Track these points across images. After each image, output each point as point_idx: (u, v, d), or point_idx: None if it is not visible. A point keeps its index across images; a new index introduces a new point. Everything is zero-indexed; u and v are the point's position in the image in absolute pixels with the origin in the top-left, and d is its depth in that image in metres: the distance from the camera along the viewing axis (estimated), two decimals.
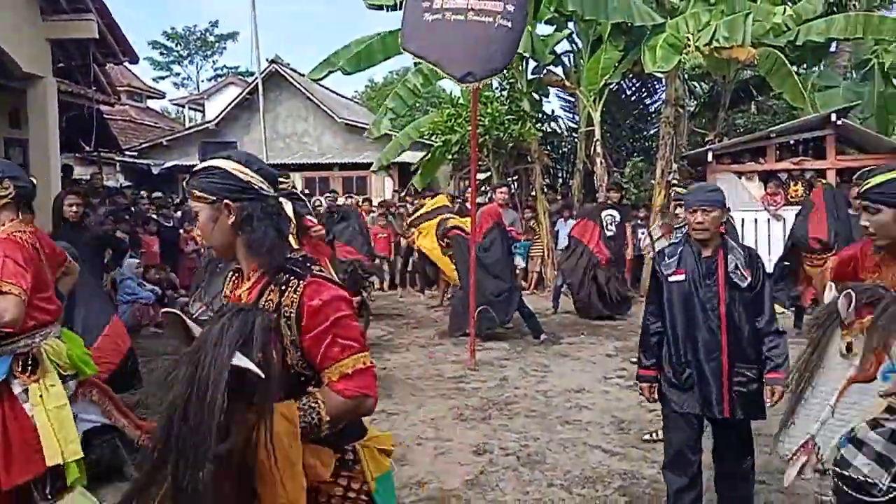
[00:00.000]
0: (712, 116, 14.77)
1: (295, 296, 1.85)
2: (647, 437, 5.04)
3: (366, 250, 9.65)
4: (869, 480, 2.13)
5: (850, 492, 2.18)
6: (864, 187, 2.44)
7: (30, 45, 8.38)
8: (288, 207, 2.02)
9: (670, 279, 3.43)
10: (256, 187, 1.93)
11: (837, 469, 2.22)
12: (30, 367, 2.94)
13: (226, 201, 1.90)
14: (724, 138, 13.53)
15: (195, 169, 2.00)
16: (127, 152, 18.75)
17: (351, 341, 1.87)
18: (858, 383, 1.99)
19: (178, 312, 1.67)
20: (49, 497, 2.92)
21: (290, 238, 2.01)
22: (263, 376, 1.61)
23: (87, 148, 14.23)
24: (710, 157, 11.85)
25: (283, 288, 1.86)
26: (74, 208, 6.01)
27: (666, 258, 3.48)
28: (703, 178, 12.01)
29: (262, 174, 1.96)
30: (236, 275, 2.05)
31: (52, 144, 8.85)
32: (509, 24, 6.44)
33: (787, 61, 11.91)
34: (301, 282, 1.87)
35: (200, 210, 1.93)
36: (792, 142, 11.83)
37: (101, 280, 6.30)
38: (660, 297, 3.49)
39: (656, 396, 3.55)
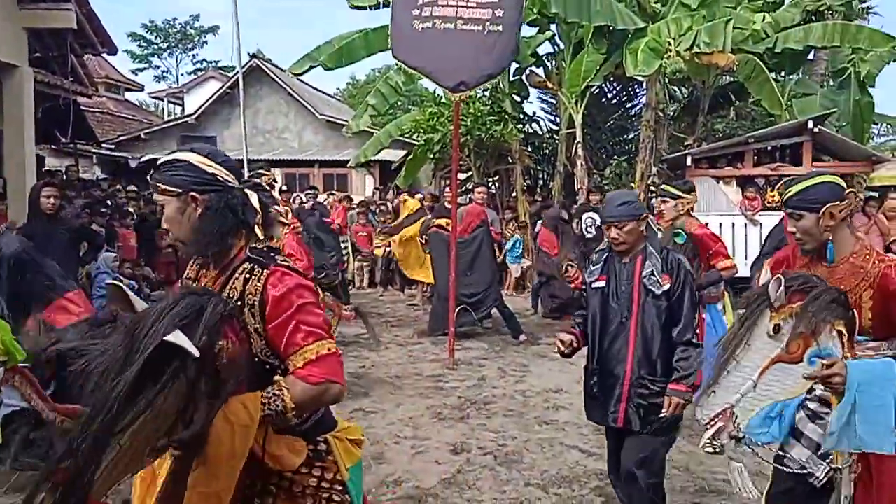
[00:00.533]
0: (692, 121, 14.88)
1: (258, 284, 1.87)
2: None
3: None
4: (806, 469, 2.39)
5: (787, 477, 2.48)
6: (786, 196, 2.56)
7: (5, 33, 8.25)
8: (254, 199, 2.00)
9: (593, 286, 3.37)
10: (221, 179, 1.94)
11: (779, 453, 2.50)
12: None
13: (192, 193, 1.91)
14: (703, 143, 13.65)
15: (159, 162, 2.00)
16: (104, 145, 18.52)
17: (315, 328, 1.87)
18: (783, 363, 2.14)
19: (121, 285, 1.64)
20: None
21: (257, 229, 2.00)
22: (197, 355, 1.57)
23: (63, 139, 14.03)
24: (688, 161, 11.94)
25: (247, 276, 1.89)
26: (52, 200, 5.93)
27: (591, 265, 3.43)
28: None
29: (227, 166, 1.98)
30: (202, 264, 2.05)
31: (27, 136, 8.73)
32: (500, 29, 6.44)
33: (765, 68, 12.05)
34: (264, 270, 1.89)
35: (167, 203, 1.94)
36: (770, 147, 11.96)
37: (77, 273, 6.21)
38: (586, 306, 3.46)
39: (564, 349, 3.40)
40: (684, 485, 4.29)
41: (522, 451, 4.83)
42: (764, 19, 11.84)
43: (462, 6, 6.48)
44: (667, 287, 3.21)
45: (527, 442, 5.01)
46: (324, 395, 1.87)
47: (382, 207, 13.36)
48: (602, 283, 3.33)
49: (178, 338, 1.53)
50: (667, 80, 14.40)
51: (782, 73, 13.95)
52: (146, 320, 1.57)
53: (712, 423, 2.14)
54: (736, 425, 2.14)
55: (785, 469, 2.50)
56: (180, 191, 1.92)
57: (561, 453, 4.81)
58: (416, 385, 6.52)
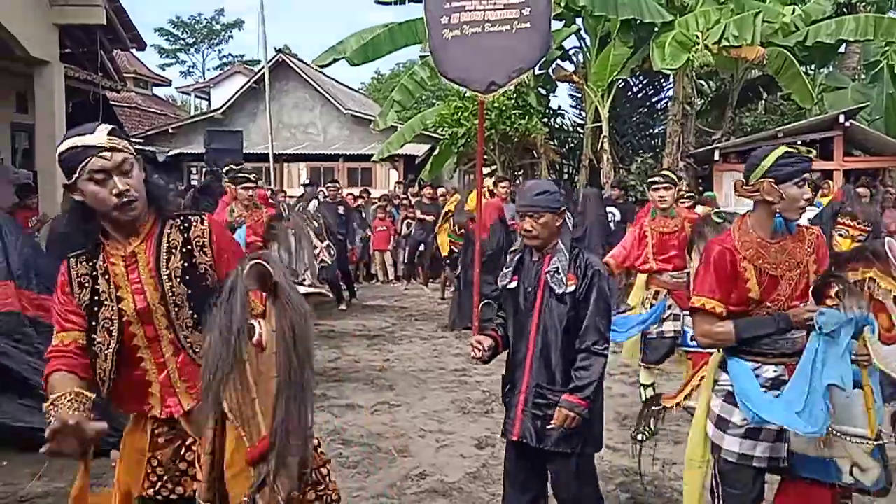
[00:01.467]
0: (719, 115, 14.75)
1: (203, 226, 2.11)
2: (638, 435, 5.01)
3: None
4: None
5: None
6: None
7: (37, 30, 8.37)
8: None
9: (507, 287, 3.06)
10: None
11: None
12: None
13: (137, 156, 2.07)
14: (731, 137, 13.51)
15: (111, 127, 2.04)
16: (132, 139, 18.76)
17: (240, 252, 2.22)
18: None
19: (263, 264, 1.68)
20: None
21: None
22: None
23: None
24: (716, 156, 11.84)
25: (186, 225, 2.10)
26: None
27: (504, 266, 3.12)
28: (709, 175, 11.99)
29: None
30: (93, 249, 2.06)
31: (58, 130, 8.85)
32: (528, 25, 6.42)
33: (796, 61, 11.87)
34: (202, 216, 2.15)
35: (134, 163, 2.02)
36: (799, 142, 11.81)
37: None
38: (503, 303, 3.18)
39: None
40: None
41: None
42: (794, 12, 11.69)
43: (489, 9, 6.47)
44: (571, 288, 2.87)
45: None
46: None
47: (406, 202, 13.34)
48: (514, 284, 3.02)
49: (306, 289, 1.71)
50: (694, 74, 14.25)
51: (812, 67, 13.77)
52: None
53: None
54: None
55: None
56: (136, 153, 2.09)
57: None
58: (440, 379, 6.53)
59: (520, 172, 16.19)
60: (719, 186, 12.50)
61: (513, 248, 3.13)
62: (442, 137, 14.91)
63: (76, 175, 1.94)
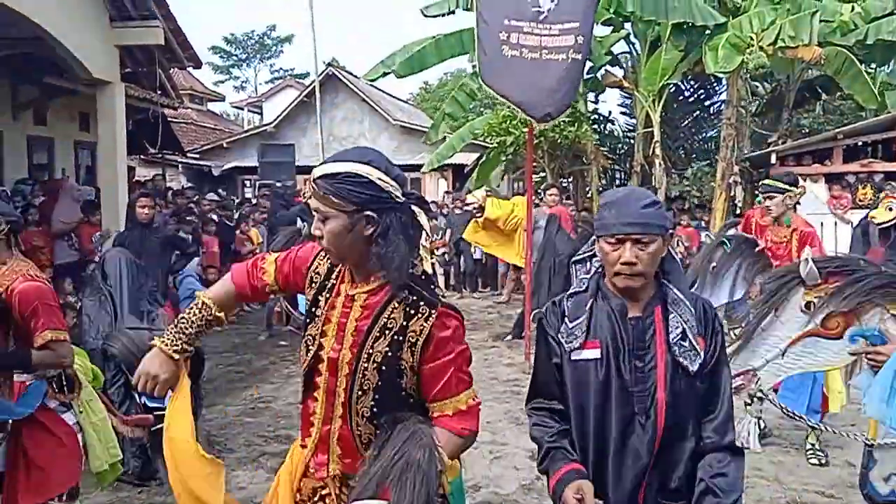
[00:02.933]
0: (776, 117, 14.39)
1: (426, 324, 1.82)
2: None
3: None
4: None
5: None
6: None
7: (99, 51, 8.67)
8: (422, 217, 1.88)
9: (575, 357, 1.98)
10: (395, 196, 1.83)
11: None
12: (65, 386, 3.06)
13: (367, 213, 1.79)
14: (788, 139, 13.16)
15: (329, 170, 1.82)
16: (188, 154, 19.26)
17: (467, 375, 1.88)
18: (817, 337, 2.31)
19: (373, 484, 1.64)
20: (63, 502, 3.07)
21: (423, 251, 1.91)
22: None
23: (152, 150, 14.67)
24: (773, 159, 11.54)
25: (412, 311, 1.82)
26: (146, 210, 6.19)
27: (567, 318, 2.01)
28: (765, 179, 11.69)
29: (399, 180, 1.85)
30: (342, 269, 1.95)
31: (119, 147, 9.13)
32: (580, 56, 6.56)
33: (856, 60, 11.51)
34: (433, 310, 1.83)
35: (333, 217, 1.79)
36: (860, 143, 11.44)
37: (167, 279, 6.47)
38: (560, 386, 2.09)
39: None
40: (774, 496, 4.14)
41: None
42: (853, 10, 11.33)
43: (545, 35, 6.53)
44: (703, 356, 1.95)
45: None
46: (466, 446, 1.89)
47: (456, 211, 13.30)
48: (595, 353, 1.96)
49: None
50: (748, 76, 13.95)
51: (873, 66, 13.31)
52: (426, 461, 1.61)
53: (732, 380, 2.22)
54: (758, 386, 2.33)
55: None
56: (354, 208, 1.78)
57: None
58: (492, 389, 6.51)
59: (569, 179, 16.06)
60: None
61: (574, 291, 2.07)
62: (490, 146, 14.90)
63: None
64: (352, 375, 1.84)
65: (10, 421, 2.88)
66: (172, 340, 2.00)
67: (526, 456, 4.81)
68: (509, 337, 8.60)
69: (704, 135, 17.50)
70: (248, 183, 20.34)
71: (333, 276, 1.94)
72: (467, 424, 1.85)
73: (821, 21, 10.61)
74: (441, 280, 13.26)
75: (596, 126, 15.14)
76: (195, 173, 19.83)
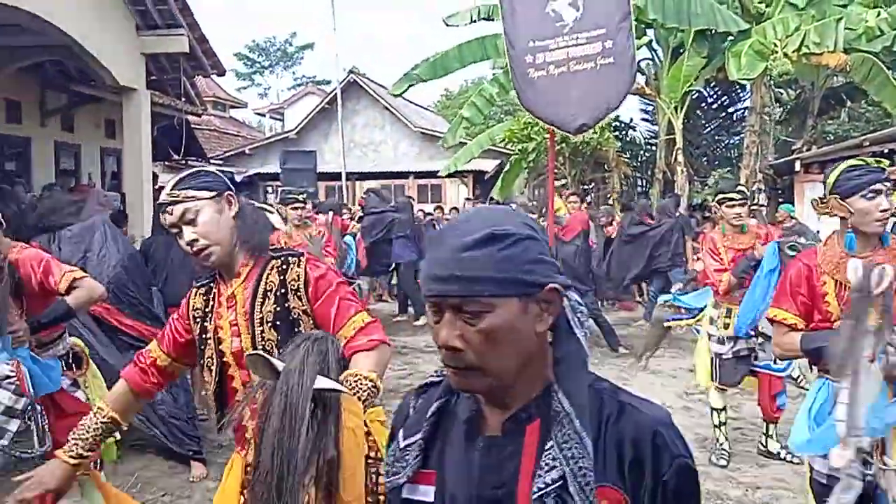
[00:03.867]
0: (800, 124, 14.26)
1: (299, 269, 2.01)
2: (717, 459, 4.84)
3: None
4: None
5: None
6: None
7: (125, 59, 8.80)
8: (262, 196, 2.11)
9: (404, 494, 1.18)
10: (233, 187, 2.07)
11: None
12: (73, 364, 3.21)
13: (227, 193, 2.01)
14: (813, 147, 13.03)
15: (176, 181, 2.02)
16: (212, 160, 19.45)
17: (355, 300, 2.04)
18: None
19: (260, 353, 1.67)
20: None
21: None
22: (345, 391, 1.66)
23: (176, 156, 14.83)
24: (797, 167, 11.42)
25: (284, 267, 2.02)
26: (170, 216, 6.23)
27: (403, 430, 1.22)
28: (790, 187, 11.59)
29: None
30: (213, 283, 2.09)
31: (144, 154, 9.25)
32: (612, 60, 6.39)
33: (884, 67, 11.37)
34: (301, 259, 2.04)
35: (200, 209, 1.97)
36: (886, 150, 11.27)
37: (190, 285, 6.51)
38: None
39: None
40: None
41: None
42: (878, 16, 11.19)
43: (572, 45, 6.46)
44: None
45: None
46: (384, 356, 1.96)
47: None
48: (427, 496, 1.16)
49: (324, 382, 1.60)
50: (772, 83, 13.84)
51: None
52: (292, 375, 1.59)
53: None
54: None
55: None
56: (216, 193, 2.00)
57: None
58: None
59: (591, 186, 16.03)
60: (801, 198, 12.05)
61: (422, 385, 1.28)
62: (511, 153, 14.90)
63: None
64: (254, 347, 1.97)
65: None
66: (69, 448, 2.03)
67: None
68: None
69: (727, 142, 17.40)
70: (270, 189, 20.50)
71: (211, 299, 2.08)
72: (374, 336, 1.94)
73: (846, 27, 10.51)
74: None
75: (618, 133, 15.08)
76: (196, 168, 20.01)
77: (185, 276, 6.23)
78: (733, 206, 4.80)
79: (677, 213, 9.93)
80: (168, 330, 2.14)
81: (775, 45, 10.71)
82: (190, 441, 4.59)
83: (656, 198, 13.76)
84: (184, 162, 16.10)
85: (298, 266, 2.02)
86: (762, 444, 4.91)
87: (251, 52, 45.54)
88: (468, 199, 17.22)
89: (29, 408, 2.85)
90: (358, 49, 73.97)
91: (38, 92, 11.29)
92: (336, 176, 16.67)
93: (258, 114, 34.87)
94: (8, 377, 2.80)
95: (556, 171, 12.22)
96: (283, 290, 1.99)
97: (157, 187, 12.50)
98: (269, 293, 2.00)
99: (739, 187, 4.98)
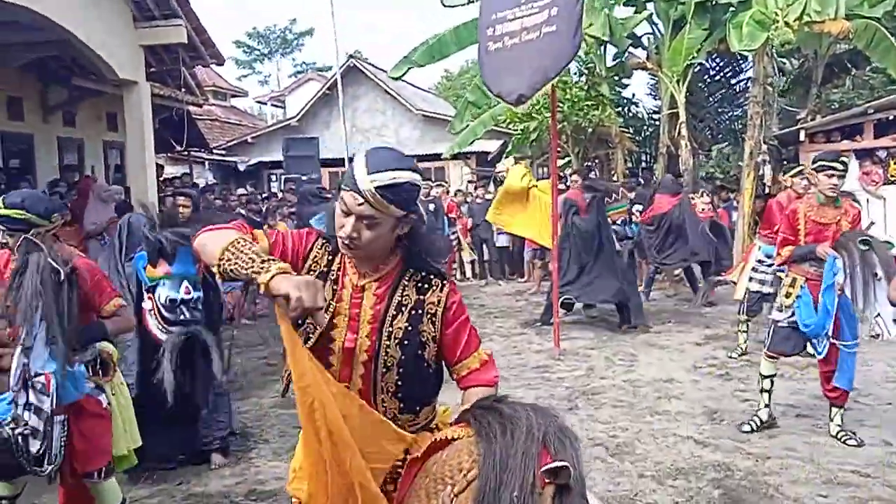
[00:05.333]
0: (804, 93, 14.15)
1: (441, 294, 1.95)
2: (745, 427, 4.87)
3: None
4: None
5: None
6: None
7: (124, 52, 8.78)
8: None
9: None
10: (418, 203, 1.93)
11: None
12: (100, 370, 3.22)
13: (411, 214, 1.87)
14: (818, 116, 12.94)
15: (391, 182, 1.78)
16: (214, 150, 19.46)
17: (475, 331, 2.04)
18: None
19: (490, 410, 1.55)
20: (101, 478, 3.21)
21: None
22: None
23: (178, 147, 14.85)
24: (802, 136, 11.36)
25: (425, 286, 1.94)
26: (183, 209, 6.26)
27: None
28: (795, 158, 11.52)
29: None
30: (340, 254, 1.95)
31: (147, 146, 9.26)
32: (554, 28, 6.19)
33: (887, 33, 11.25)
34: (444, 282, 1.98)
35: (382, 221, 1.81)
36: (891, 117, 11.19)
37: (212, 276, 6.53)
38: None
39: None
40: (809, 476, 4.11)
41: (634, 442, 4.74)
42: None
43: (526, 15, 6.36)
44: None
45: (639, 433, 4.92)
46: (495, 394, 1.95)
47: (479, 201, 13.21)
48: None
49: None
50: (775, 53, 13.70)
51: None
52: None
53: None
54: None
55: None
56: (404, 212, 1.84)
57: (675, 444, 4.70)
58: (522, 376, 6.52)
59: (594, 163, 15.96)
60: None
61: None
62: (514, 132, 14.84)
63: (342, 183, 1.84)
64: (374, 358, 1.89)
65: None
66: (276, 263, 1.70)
67: None
68: (538, 324, 8.60)
69: (731, 114, 17.29)
70: (273, 177, 20.51)
71: (335, 268, 1.95)
72: (494, 372, 2.01)
73: None
74: (468, 268, 13.29)
75: (620, 109, 15.00)
76: (222, 169, 20.02)
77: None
78: (832, 175, 4.51)
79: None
80: (287, 241, 1.95)
81: (776, 15, 10.58)
82: (212, 439, 4.63)
83: (661, 173, 13.70)
84: (187, 153, 16.13)
85: (441, 290, 1.94)
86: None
87: (250, 39, 45.32)
88: (471, 180, 17.17)
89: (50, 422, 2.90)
90: (358, 33, 73.54)
91: (40, 88, 11.30)
92: (339, 162, 16.66)
93: (259, 102, 34.76)
94: (44, 387, 2.85)
95: (559, 149, 12.17)
96: (419, 311, 1.91)
97: (161, 179, 12.54)
98: (403, 308, 1.91)
99: (843, 157, 4.62)
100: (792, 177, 6.49)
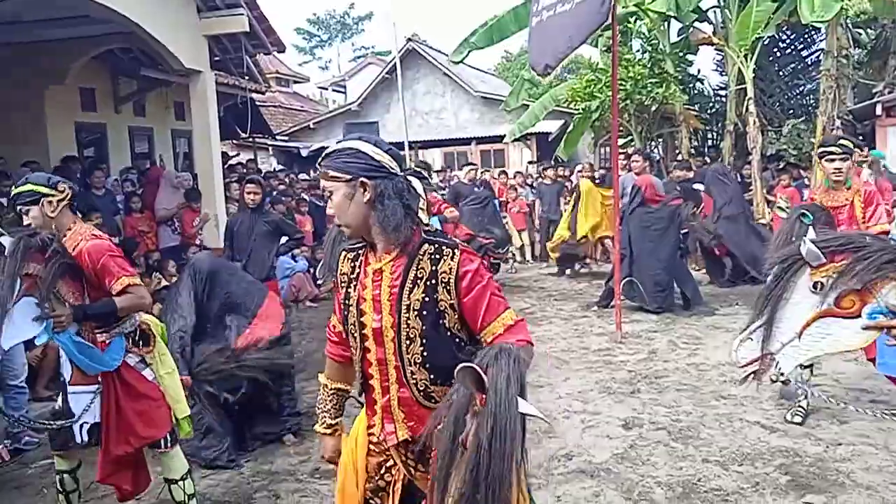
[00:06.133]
0: (881, 65, 13.49)
1: (453, 262, 2.00)
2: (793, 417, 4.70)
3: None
4: None
5: None
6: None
7: (189, 42, 9.00)
8: (417, 185, 2.08)
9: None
10: (387, 166, 2.02)
11: None
12: (140, 341, 3.33)
13: (361, 179, 1.99)
14: (895, 89, 12.32)
15: (328, 150, 2.07)
16: (277, 137, 19.79)
17: (503, 297, 2.04)
18: (832, 317, 2.19)
19: (471, 365, 1.58)
20: (168, 447, 3.37)
21: (422, 213, 2.08)
22: (544, 418, 1.69)
23: (243, 134, 15.16)
24: (878, 111, 10.85)
25: (437, 257, 2.01)
26: (252, 196, 6.40)
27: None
28: (871, 133, 11.02)
29: (391, 154, 2.06)
30: (363, 251, 2.12)
31: (213, 134, 9.49)
32: (567, 8, 6.26)
33: None
34: (455, 251, 2.02)
35: (335, 189, 2.02)
36: None
37: (273, 262, 6.67)
38: None
39: None
40: (882, 464, 3.96)
41: (698, 427, 4.66)
42: None
43: None
44: None
45: (703, 417, 4.83)
46: (529, 357, 1.95)
47: (547, 181, 13.01)
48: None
49: (527, 408, 1.59)
50: (849, 23, 13.08)
51: None
52: (499, 399, 1.55)
53: (748, 366, 2.25)
54: (778, 371, 2.26)
55: None
56: (350, 177, 2.00)
57: (741, 429, 4.59)
58: (583, 359, 6.47)
59: (659, 142, 15.62)
60: (884, 143, 11.45)
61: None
62: (575, 112, 14.63)
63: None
64: (397, 332, 1.99)
65: (99, 374, 3.18)
66: (321, 422, 2.32)
67: (618, 425, 4.79)
68: (597, 306, 8.51)
69: (802, 88, 16.63)
70: None
71: (357, 266, 2.11)
72: (521, 336, 1.95)
73: None
74: (528, 251, 13.21)
75: (685, 86, 14.60)
76: (285, 155, 20.38)
77: (267, 254, 6.46)
78: (833, 160, 4.48)
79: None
80: (336, 301, 2.23)
81: None
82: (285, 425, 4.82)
83: (728, 151, 13.31)
84: (251, 140, 16.47)
85: (452, 259, 2.00)
86: None
87: (311, 25, 45.84)
88: (532, 161, 17.02)
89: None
90: (417, 16, 73.33)
91: (111, 79, 11.69)
92: (399, 146, 16.73)
93: (321, 88, 35.13)
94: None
95: (621, 128, 11.94)
96: (433, 281, 1.99)
97: (227, 165, 12.85)
98: (419, 281, 2.00)
99: (842, 140, 4.59)
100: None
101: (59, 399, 3.30)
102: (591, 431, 4.71)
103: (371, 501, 2.14)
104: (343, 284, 2.13)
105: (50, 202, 3.14)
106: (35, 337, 2.96)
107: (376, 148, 2.03)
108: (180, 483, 3.42)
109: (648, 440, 4.50)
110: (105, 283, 3.10)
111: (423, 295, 1.98)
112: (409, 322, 1.98)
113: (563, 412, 5.08)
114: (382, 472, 2.13)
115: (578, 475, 4.05)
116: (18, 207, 3.17)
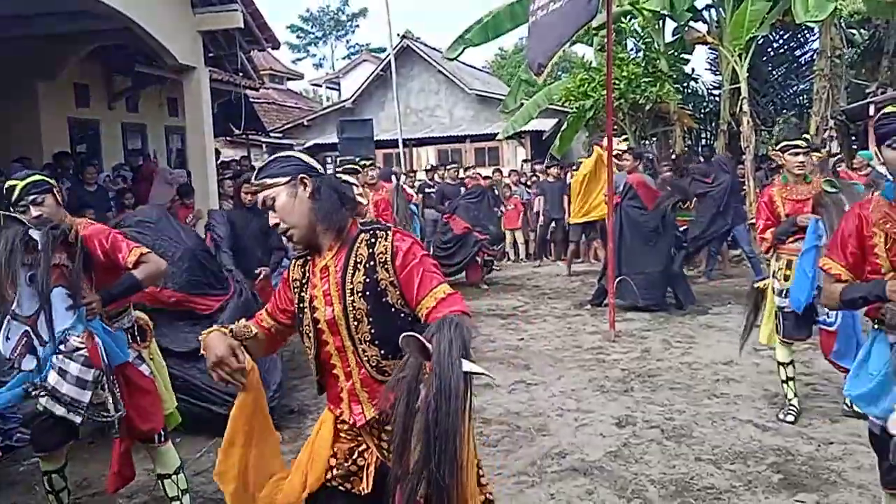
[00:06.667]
0: (874, 66, 13.53)
1: (386, 242, 2.12)
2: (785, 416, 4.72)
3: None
4: None
5: None
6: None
7: (183, 38, 8.96)
8: (349, 178, 2.44)
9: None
10: (317, 168, 2.21)
11: None
12: (138, 337, 3.37)
13: (301, 176, 2.14)
14: (889, 89, 12.36)
15: (259, 167, 2.23)
16: (271, 133, 19.75)
17: (437, 272, 2.12)
18: None
19: (413, 334, 1.73)
20: (162, 441, 3.38)
21: (359, 197, 2.29)
22: (489, 374, 1.80)
23: (237, 131, 15.13)
24: (871, 111, 10.88)
25: (373, 241, 2.14)
26: (250, 196, 6.37)
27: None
28: (864, 133, 11.07)
29: (316, 160, 2.26)
30: (311, 257, 2.23)
31: (206, 130, 9.44)
32: (558, 5, 6.31)
33: None
34: (388, 232, 2.15)
35: (277, 194, 2.14)
36: None
37: (268, 257, 6.65)
38: None
39: None
40: (874, 462, 3.97)
41: (692, 425, 4.67)
42: None
43: None
44: None
45: (696, 416, 4.85)
46: (471, 324, 2.02)
47: (550, 179, 13.02)
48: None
49: (471, 367, 1.69)
50: (843, 23, 13.13)
51: None
52: (443, 360, 1.68)
53: None
54: None
55: None
56: (289, 178, 2.14)
57: (733, 428, 4.61)
58: (577, 357, 6.48)
59: (653, 141, 15.64)
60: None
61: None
62: (568, 111, 14.64)
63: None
64: (346, 317, 2.11)
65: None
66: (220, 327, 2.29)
67: (611, 423, 4.80)
68: (591, 305, 8.53)
69: (796, 88, 16.69)
70: (329, 159, 20.69)
71: (307, 271, 2.23)
72: (456, 306, 2.00)
73: None
74: (521, 249, 13.22)
75: (679, 85, 14.63)
76: (278, 152, 20.33)
77: (260, 250, 6.45)
78: (797, 153, 4.67)
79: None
80: (275, 297, 2.34)
81: None
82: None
83: (721, 150, 13.34)
84: (244, 136, 16.43)
85: (386, 239, 2.12)
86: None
87: (305, 22, 45.73)
88: (526, 160, 17.03)
89: (102, 378, 3.00)
90: (410, 13, 73.28)
91: (105, 75, 11.65)
92: (393, 143, 16.72)
93: (314, 85, 35.09)
94: (77, 349, 2.94)
95: (615, 127, 11.94)
96: (371, 263, 2.11)
97: (219, 162, 12.82)
98: (358, 265, 2.12)
99: (805, 135, 4.85)
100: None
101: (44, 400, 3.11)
102: (585, 429, 4.72)
103: (341, 487, 2.18)
104: (296, 290, 2.23)
105: (59, 191, 3.18)
106: (71, 327, 2.95)
107: (304, 154, 2.25)
108: (173, 477, 3.41)
109: (642, 438, 4.51)
110: (118, 259, 3.11)
111: (364, 277, 2.10)
112: (354, 304, 2.09)
113: (557, 410, 5.09)
114: (355, 456, 2.18)
115: (572, 473, 4.05)
116: (32, 197, 3.08)
